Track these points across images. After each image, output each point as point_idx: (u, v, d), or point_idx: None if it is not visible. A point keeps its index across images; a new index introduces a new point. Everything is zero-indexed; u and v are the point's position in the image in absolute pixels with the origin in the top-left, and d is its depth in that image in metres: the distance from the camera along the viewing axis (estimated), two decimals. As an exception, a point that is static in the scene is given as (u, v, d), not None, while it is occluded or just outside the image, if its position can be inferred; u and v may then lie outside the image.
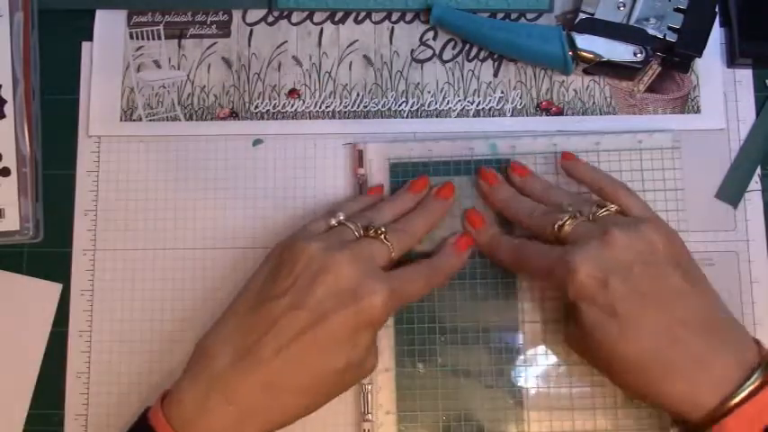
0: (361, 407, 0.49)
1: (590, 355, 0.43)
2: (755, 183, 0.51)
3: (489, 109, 0.53)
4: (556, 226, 0.44)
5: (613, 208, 0.45)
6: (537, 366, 0.49)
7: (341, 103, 0.54)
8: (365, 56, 0.54)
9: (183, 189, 0.53)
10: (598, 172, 0.49)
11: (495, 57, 0.54)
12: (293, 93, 0.54)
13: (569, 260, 0.41)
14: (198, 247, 0.52)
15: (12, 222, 0.51)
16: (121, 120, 0.54)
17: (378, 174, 0.51)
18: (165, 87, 0.54)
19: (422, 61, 0.54)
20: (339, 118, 0.53)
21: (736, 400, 0.37)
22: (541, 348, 0.49)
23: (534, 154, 0.51)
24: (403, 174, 0.51)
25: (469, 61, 0.54)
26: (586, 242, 0.42)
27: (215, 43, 0.55)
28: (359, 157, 0.51)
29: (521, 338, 0.49)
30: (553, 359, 0.49)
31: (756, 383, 0.38)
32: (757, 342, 0.41)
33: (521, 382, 0.48)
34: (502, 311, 0.49)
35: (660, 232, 0.42)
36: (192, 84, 0.54)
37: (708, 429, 0.38)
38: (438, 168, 0.51)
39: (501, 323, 0.49)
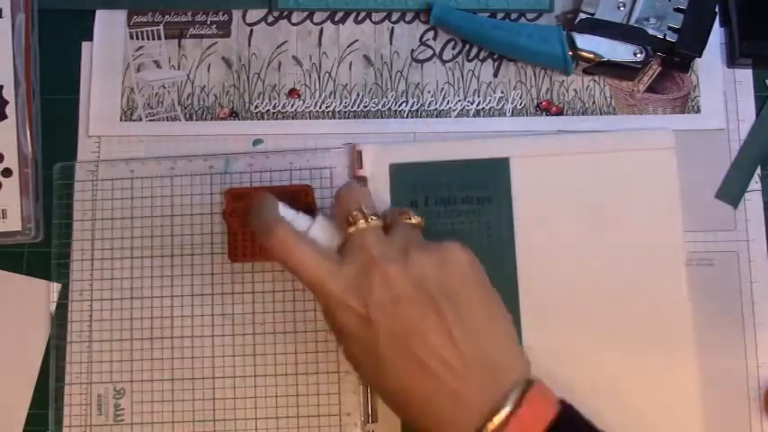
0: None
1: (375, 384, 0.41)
2: (755, 183, 0.51)
3: (489, 109, 0.53)
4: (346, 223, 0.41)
5: (415, 220, 0.43)
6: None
7: (341, 103, 0.54)
8: (365, 56, 0.54)
9: (183, 189, 0.53)
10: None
11: (495, 57, 0.54)
12: (293, 93, 0.54)
13: (328, 285, 0.39)
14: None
15: (14, 223, 0.51)
16: (121, 120, 0.54)
17: (377, 175, 0.51)
18: (165, 87, 0.54)
19: (422, 61, 0.54)
20: (339, 118, 0.53)
21: (492, 427, 0.37)
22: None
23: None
24: (403, 175, 0.51)
25: (469, 61, 0.54)
26: (351, 265, 0.40)
27: (215, 43, 0.55)
28: (358, 158, 0.51)
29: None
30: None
31: (507, 409, 0.37)
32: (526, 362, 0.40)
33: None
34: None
35: (432, 261, 0.40)
36: (192, 84, 0.54)
37: None
38: (438, 170, 0.51)
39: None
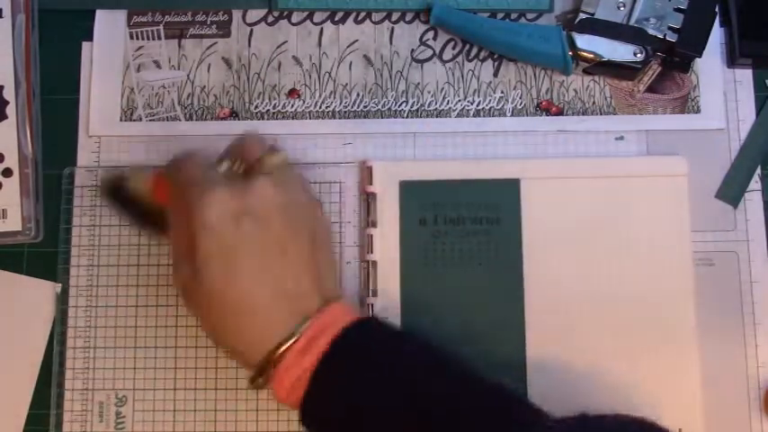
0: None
1: (195, 298, 0.43)
2: (755, 183, 0.51)
3: (489, 109, 0.53)
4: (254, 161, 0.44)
5: (275, 159, 0.45)
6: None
7: (341, 103, 0.54)
8: (365, 56, 0.54)
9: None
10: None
11: (495, 57, 0.54)
12: (293, 93, 0.54)
13: (208, 188, 0.42)
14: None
15: (14, 223, 0.51)
16: (121, 120, 0.54)
17: (387, 191, 0.51)
18: (165, 87, 0.54)
19: (422, 61, 0.54)
20: (339, 118, 0.53)
21: (284, 348, 0.41)
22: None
23: None
24: (413, 192, 0.51)
25: (469, 61, 0.54)
26: (226, 184, 0.42)
27: (215, 43, 0.55)
28: (368, 174, 0.51)
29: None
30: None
31: (290, 342, 0.41)
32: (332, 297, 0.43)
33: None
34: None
35: (269, 186, 0.43)
36: (192, 84, 0.54)
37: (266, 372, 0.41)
38: (448, 189, 0.51)
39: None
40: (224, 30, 0.55)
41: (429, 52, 0.54)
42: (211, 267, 0.41)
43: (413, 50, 0.54)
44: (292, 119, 0.53)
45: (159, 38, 0.55)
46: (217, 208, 0.41)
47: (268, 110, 0.54)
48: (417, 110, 0.53)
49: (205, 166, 0.44)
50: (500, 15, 0.54)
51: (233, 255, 0.41)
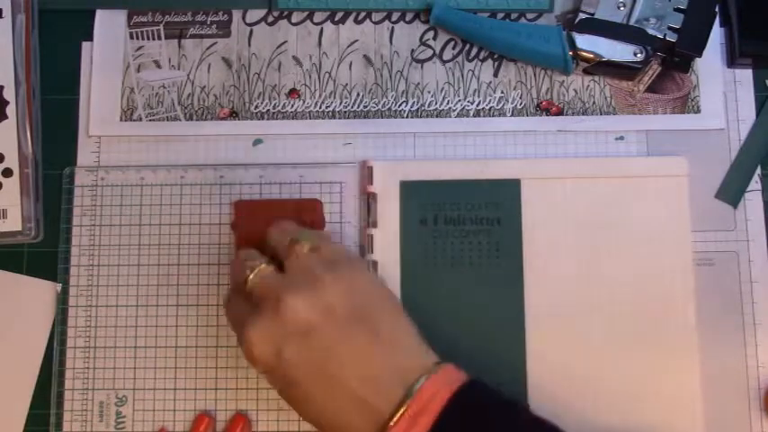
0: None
1: None
2: (755, 183, 0.51)
3: (489, 109, 0.53)
4: (244, 284, 0.43)
5: (305, 247, 0.43)
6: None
7: (341, 103, 0.54)
8: (365, 56, 0.54)
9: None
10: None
11: (495, 57, 0.54)
12: (293, 93, 0.54)
13: (244, 333, 0.41)
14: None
15: (14, 223, 0.51)
16: (121, 120, 0.54)
17: (387, 191, 0.51)
18: (165, 87, 0.54)
19: (422, 61, 0.54)
20: (339, 118, 0.53)
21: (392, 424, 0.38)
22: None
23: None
24: (414, 193, 0.51)
25: (469, 61, 0.54)
26: (260, 310, 0.41)
27: (215, 43, 0.55)
28: (369, 175, 0.51)
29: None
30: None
31: (403, 409, 0.38)
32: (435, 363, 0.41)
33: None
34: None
35: (338, 286, 0.41)
36: (192, 84, 0.54)
37: None
38: (449, 189, 0.51)
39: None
40: (224, 30, 0.55)
41: (429, 52, 0.54)
42: (287, 398, 0.42)
43: (413, 50, 0.54)
44: (292, 119, 0.53)
45: (159, 38, 0.55)
46: (257, 350, 0.40)
47: (268, 110, 0.54)
48: (417, 110, 0.53)
49: (239, 298, 0.43)
50: (500, 15, 0.54)
51: (294, 385, 0.40)
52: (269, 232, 0.45)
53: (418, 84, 0.54)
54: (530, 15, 0.54)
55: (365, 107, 0.53)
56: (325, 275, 0.41)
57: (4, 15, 0.53)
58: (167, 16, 0.55)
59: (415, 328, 0.43)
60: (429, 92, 0.54)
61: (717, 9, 0.51)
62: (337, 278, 0.42)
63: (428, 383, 0.39)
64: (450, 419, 0.38)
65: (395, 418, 0.38)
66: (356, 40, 0.54)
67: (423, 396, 0.39)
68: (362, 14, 0.55)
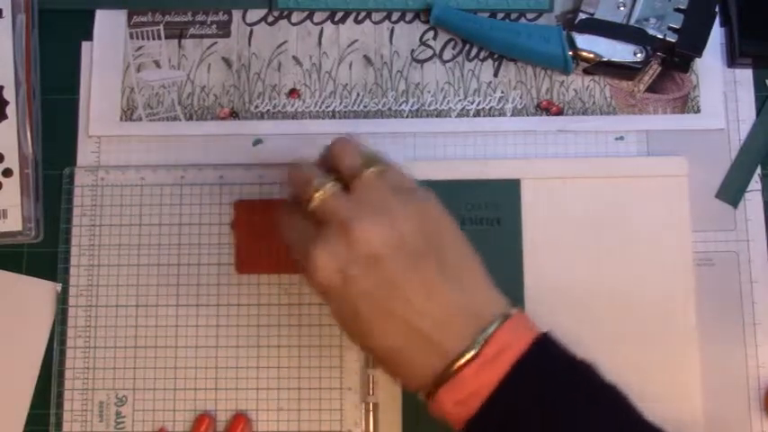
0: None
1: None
2: (755, 183, 0.51)
3: (489, 109, 0.53)
4: (306, 202, 0.41)
5: (375, 171, 0.41)
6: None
7: (341, 103, 0.54)
8: (365, 56, 0.54)
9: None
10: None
11: (495, 57, 0.54)
12: (293, 93, 0.54)
13: (310, 255, 0.39)
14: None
15: (14, 223, 0.51)
16: (121, 120, 0.54)
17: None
18: (165, 87, 0.54)
19: (422, 61, 0.54)
20: (339, 118, 0.53)
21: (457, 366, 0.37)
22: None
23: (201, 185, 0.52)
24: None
25: (469, 61, 0.54)
26: (327, 233, 0.39)
27: (215, 43, 0.55)
28: None
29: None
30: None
31: (473, 351, 0.37)
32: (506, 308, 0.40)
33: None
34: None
35: (410, 215, 0.40)
36: (192, 84, 0.54)
37: (430, 398, 0.38)
38: (448, 189, 0.50)
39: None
40: (224, 30, 0.55)
41: (429, 52, 0.54)
42: (347, 329, 0.40)
43: (413, 50, 0.54)
44: (292, 119, 0.53)
45: (159, 38, 0.55)
46: (322, 274, 0.39)
47: (268, 110, 0.54)
48: (417, 110, 0.53)
49: (298, 216, 0.41)
50: (500, 15, 0.54)
51: (356, 316, 0.39)
52: (333, 147, 0.43)
53: (418, 84, 0.54)
54: (530, 15, 0.54)
55: (365, 107, 0.53)
56: (397, 203, 0.40)
57: (4, 15, 0.53)
58: (167, 16, 0.55)
59: (482, 263, 0.41)
60: (429, 92, 0.54)
61: (717, 9, 0.51)
62: (409, 206, 0.40)
63: (501, 332, 0.38)
64: (527, 371, 0.38)
65: (466, 357, 0.37)
66: (356, 40, 0.54)
67: (498, 341, 0.38)
68: (362, 14, 0.55)
